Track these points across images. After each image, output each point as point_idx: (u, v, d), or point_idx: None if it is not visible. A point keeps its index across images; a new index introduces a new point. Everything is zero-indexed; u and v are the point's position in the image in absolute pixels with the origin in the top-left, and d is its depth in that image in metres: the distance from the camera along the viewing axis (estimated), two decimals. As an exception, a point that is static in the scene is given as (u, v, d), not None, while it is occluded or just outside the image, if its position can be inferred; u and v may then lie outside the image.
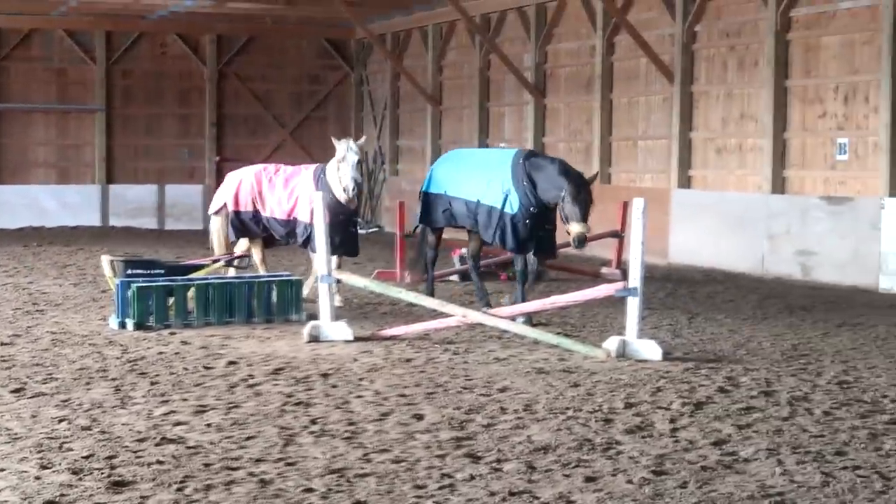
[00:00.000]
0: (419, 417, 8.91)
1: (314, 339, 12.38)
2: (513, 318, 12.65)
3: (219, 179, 16.03)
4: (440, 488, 7.05)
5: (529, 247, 14.07)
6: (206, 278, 14.18)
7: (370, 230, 30.98)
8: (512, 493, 6.94)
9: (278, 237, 15.80)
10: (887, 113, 18.62)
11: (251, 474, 7.31)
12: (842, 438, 8.44)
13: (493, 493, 6.94)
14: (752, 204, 20.83)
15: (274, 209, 15.52)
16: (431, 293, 15.02)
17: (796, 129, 20.56)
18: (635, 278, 11.52)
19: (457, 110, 29.98)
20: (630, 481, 7.23)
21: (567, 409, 9.25)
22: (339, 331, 12.46)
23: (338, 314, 13.00)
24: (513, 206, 13.96)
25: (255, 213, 15.65)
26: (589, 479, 7.26)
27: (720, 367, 11.16)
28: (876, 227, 18.17)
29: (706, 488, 7.10)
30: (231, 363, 11.15)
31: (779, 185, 20.71)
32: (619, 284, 11.96)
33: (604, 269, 19.53)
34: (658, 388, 10.10)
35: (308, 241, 14.98)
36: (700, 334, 13.22)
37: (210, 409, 9.10)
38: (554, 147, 26.23)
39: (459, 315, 12.58)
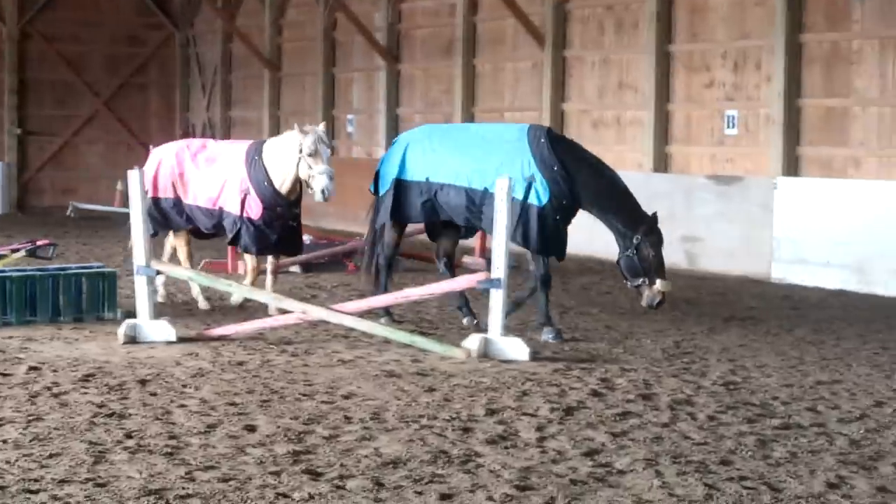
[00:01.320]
0: (251, 429, 8.86)
1: (131, 339, 12.23)
2: (361, 315, 12.65)
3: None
4: (274, 510, 7.02)
5: (559, 248, 13.14)
6: (4, 271, 13.91)
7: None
8: (356, 514, 6.94)
9: (204, 230, 14.79)
10: (781, 82, 19.04)
11: (55, 498, 7.19)
12: (727, 446, 8.61)
13: (334, 515, 6.93)
14: (631, 184, 20.92)
15: (197, 196, 14.41)
16: (387, 311, 13.79)
17: (680, 101, 20.93)
18: (499, 268, 11.61)
19: (298, 77, 29.87)
20: (490, 498, 7.28)
21: (420, 417, 9.28)
22: (159, 330, 12.33)
23: (159, 311, 12.86)
24: (540, 197, 12.89)
25: (177, 201, 14.54)
26: (444, 497, 7.29)
27: (594, 368, 11.31)
28: (768, 209, 18.57)
29: (576, 504, 7.19)
30: (32, 369, 10.96)
31: (661, 163, 21.07)
32: (481, 275, 12.04)
33: (466, 259, 19.63)
34: (524, 392, 10.19)
35: (238, 238, 14.07)
36: (573, 331, 13.37)
37: (7, 423, 8.93)
38: (409, 119, 26.28)
39: (299, 311, 12.54)
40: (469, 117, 24.86)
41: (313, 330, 13.03)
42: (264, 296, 13.35)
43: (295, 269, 18.34)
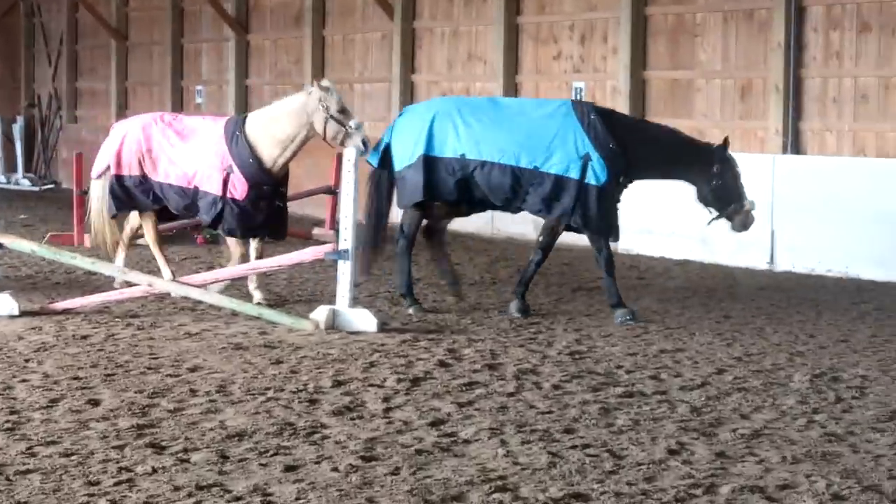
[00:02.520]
0: (95, 403, 8.75)
1: (-29, 314, 11.99)
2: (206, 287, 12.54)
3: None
4: (116, 484, 6.94)
5: (617, 229, 12.70)
6: None
7: (45, 187, 30.18)
8: (199, 487, 6.88)
9: (174, 210, 13.66)
10: (627, 54, 19.25)
11: None
12: (571, 414, 8.71)
13: (177, 488, 6.87)
14: (481, 155, 21.15)
15: (168, 172, 13.19)
16: (409, 290, 13.06)
17: (529, 72, 21.04)
18: (347, 240, 11.59)
19: (146, 47, 29.48)
20: (336, 469, 7.28)
21: (267, 389, 9.24)
22: (1, 304, 12.10)
23: (2, 285, 12.63)
24: (598, 176, 12.41)
25: (143, 178, 13.32)
26: (289, 468, 7.27)
27: (441, 339, 11.35)
28: (615, 180, 18.71)
29: (420, 474, 7.21)
30: None
31: (510, 135, 21.13)
32: (329, 246, 12.00)
33: (316, 230, 19.57)
34: (371, 364, 10.20)
35: (220, 220, 12.96)
36: (422, 302, 13.38)
37: None
38: (259, 90, 26.11)
39: (145, 284, 12.39)
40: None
41: (160, 303, 12.90)
42: (110, 268, 13.16)
43: (143, 241, 18.08)
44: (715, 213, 12.87)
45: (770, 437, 8.23)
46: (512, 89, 21.15)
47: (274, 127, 12.84)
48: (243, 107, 26.22)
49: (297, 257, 12.53)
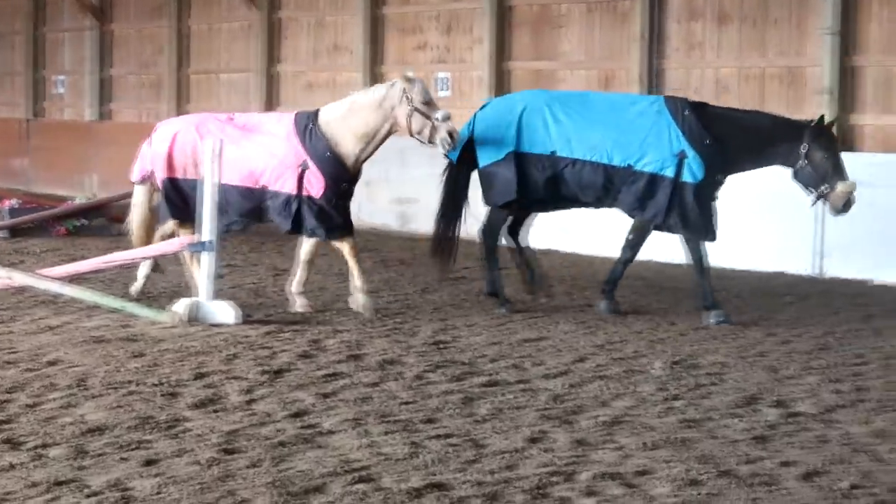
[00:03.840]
0: (-51, 399, 8.60)
1: None
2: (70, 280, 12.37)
3: None
4: (-30, 481, 6.83)
5: (713, 229, 12.29)
6: None
7: None
8: (57, 483, 6.79)
9: (237, 214, 12.41)
10: (491, 45, 19.35)
11: None
12: (433, 404, 8.74)
13: (34, 485, 6.77)
14: (346, 146, 21.14)
15: (231, 174, 12.06)
16: (498, 290, 12.78)
17: (393, 62, 21.05)
18: (208, 231, 11.50)
19: (6, 37, 28.95)
20: (196, 462, 7.22)
21: (128, 382, 9.14)
22: None
23: None
24: (694, 174, 12.08)
25: (200, 182, 11.98)
26: (149, 462, 7.20)
27: (305, 330, 11.32)
28: (478, 171, 18.79)
29: (282, 466, 7.19)
30: None
31: (375, 125, 21.13)
32: (191, 238, 11.90)
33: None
34: (233, 356, 10.14)
35: (300, 222, 12.10)
36: (285, 293, 13.31)
37: None
38: (123, 81, 25.82)
39: (4, 277, 12.18)
40: (183, 80, 24.53)
41: (19, 297, 12.68)
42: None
43: (1, 234, 17.81)
44: (812, 195, 12.34)
45: (629, 424, 8.34)
46: (377, 79, 21.12)
47: (353, 120, 12.10)
48: (105, 98, 25.94)
49: (158, 249, 12.40)
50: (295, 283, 12.42)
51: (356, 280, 12.22)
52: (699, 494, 6.88)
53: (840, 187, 12.02)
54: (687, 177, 12.06)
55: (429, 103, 11.94)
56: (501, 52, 19.40)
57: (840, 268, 15.37)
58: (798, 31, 16.62)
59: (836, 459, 7.64)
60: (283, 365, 9.85)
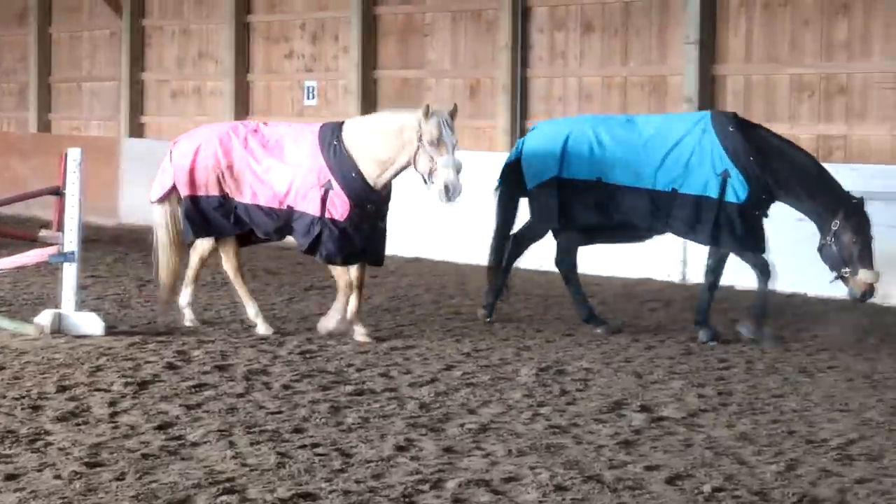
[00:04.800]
0: None
1: None
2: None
3: None
4: None
5: (762, 243, 11.87)
6: None
7: None
8: (-86, 501, 6.64)
9: (263, 234, 11.97)
10: (357, 53, 19.34)
11: None
12: (301, 414, 8.69)
13: None
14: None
15: (257, 191, 11.56)
16: (591, 314, 12.52)
17: (261, 71, 20.98)
18: (72, 241, 11.35)
19: None
20: (58, 476, 7.10)
21: (-12, 396, 8.97)
22: None
23: None
24: (738, 194, 11.66)
25: (224, 199, 11.74)
26: (10, 477, 7.06)
27: (171, 341, 11.20)
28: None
29: (147, 478, 7.09)
30: None
31: (242, 134, 21.02)
32: (53, 249, 11.71)
33: (42, 232, 18.99)
34: (98, 368, 9.99)
35: (317, 245, 11.39)
36: (152, 304, 13.18)
37: None
38: (-18, 89, 25.37)
39: None
40: (45, 89, 24.20)
41: None
42: None
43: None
44: (833, 274, 11.77)
45: (496, 431, 8.37)
46: (244, 88, 21.05)
47: (373, 143, 11.30)
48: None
49: (20, 260, 12.21)
50: (331, 321, 11.71)
51: (353, 309, 11.62)
52: (565, 500, 6.92)
53: (862, 276, 11.45)
54: (730, 196, 11.66)
55: (435, 143, 10.90)
56: (368, 60, 19.40)
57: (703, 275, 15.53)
58: (660, 41, 16.83)
59: (700, 463, 7.73)
60: (148, 376, 9.73)
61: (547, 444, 8.05)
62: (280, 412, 8.73)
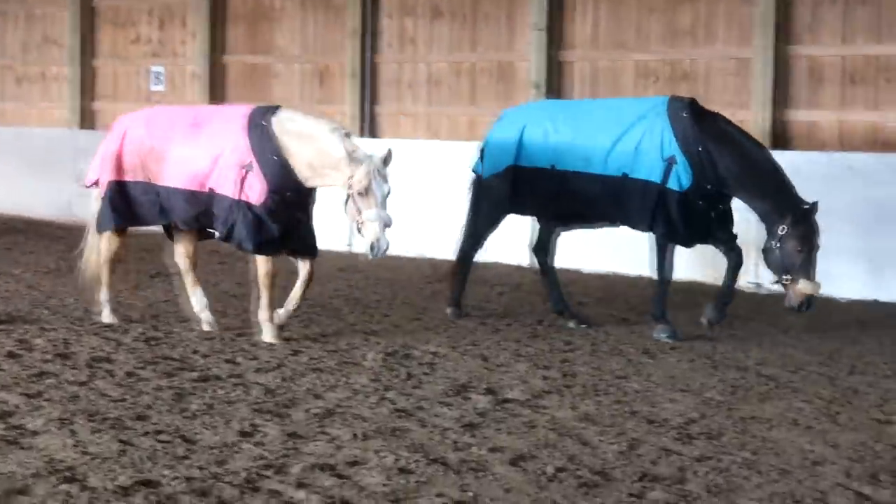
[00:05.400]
0: None
1: None
2: None
3: None
4: None
5: (697, 235, 11.36)
6: None
7: None
8: None
9: (182, 224, 11.15)
10: (205, 39, 19.16)
11: None
12: (145, 401, 8.58)
13: None
14: (57, 141, 20.67)
15: (176, 175, 10.84)
16: (559, 307, 12.19)
17: (106, 56, 20.68)
18: None
19: None
20: None
21: None
22: None
23: None
24: (681, 181, 11.13)
25: (148, 184, 11.06)
26: None
27: (12, 330, 10.96)
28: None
29: (-16, 469, 6.96)
30: None
31: (88, 119, 20.75)
32: None
33: None
34: (-65, 357, 9.78)
35: (232, 232, 10.62)
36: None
37: None
38: None
39: None
40: None
41: None
42: None
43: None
44: (774, 278, 11.33)
45: (342, 416, 8.35)
46: (90, 73, 20.73)
47: (305, 147, 10.46)
48: None
49: None
50: (263, 312, 10.94)
51: (290, 303, 11.03)
52: (409, 483, 6.93)
53: (802, 286, 10.89)
54: (673, 183, 11.16)
55: (367, 193, 10.01)
56: (216, 46, 19.24)
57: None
58: (508, 27, 16.94)
59: (544, 444, 7.80)
60: (-12, 365, 9.54)
61: (392, 428, 8.05)
62: (123, 400, 8.61)
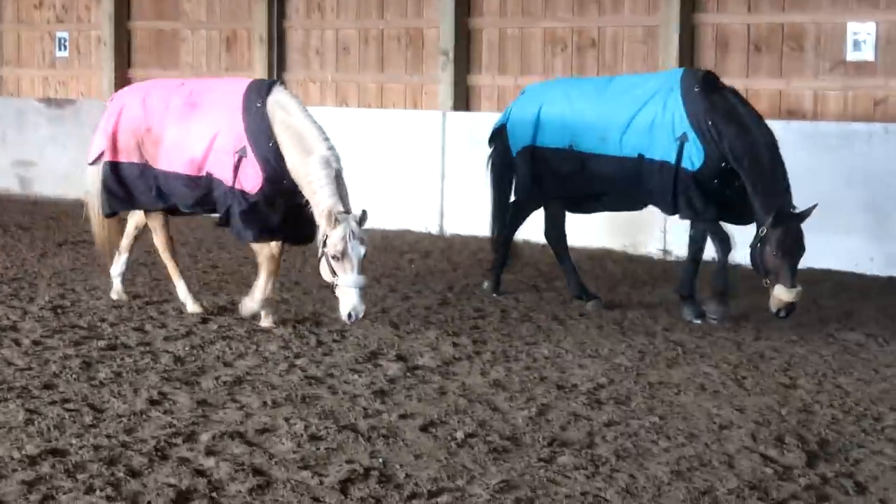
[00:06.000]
0: None
1: None
2: None
3: None
4: None
5: (714, 211, 10.68)
6: None
7: None
8: None
9: (184, 207, 10.47)
10: (110, 4, 18.95)
11: None
12: (52, 370, 8.50)
13: None
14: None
15: (174, 157, 10.18)
16: (579, 289, 11.67)
17: (10, 22, 20.42)
18: None
19: None
20: None
21: None
22: None
23: None
24: (693, 160, 10.53)
25: (145, 167, 10.41)
26: None
27: (-85, 298, 10.84)
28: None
29: None
30: None
31: None
32: None
33: None
34: None
35: (229, 218, 9.96)
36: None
37: None
38: None
39: None
40: None
41: None
42: None
43: None
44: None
45: (252, 383, 8.33)
46: (-8, 40, 20.45)
47: (296, 141, 9.68)
48: None
49: None
50: (253, 302, 10.20)
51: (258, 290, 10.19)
52: (319, 450, 6.93)
53: (777, 292, 10.18)
54: (686, 163, 10.57)
55: (339, 258, 9.26)
56: (121, 11, 19.01)
57: (460, 225, 15.71)
58: (417, -6, 16.89)
59: (454, 410, 7.82)
60: None
61: (302, 395, 8.04)
62: (30, 369, 8.52)
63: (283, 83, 10.41)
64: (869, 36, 13.84)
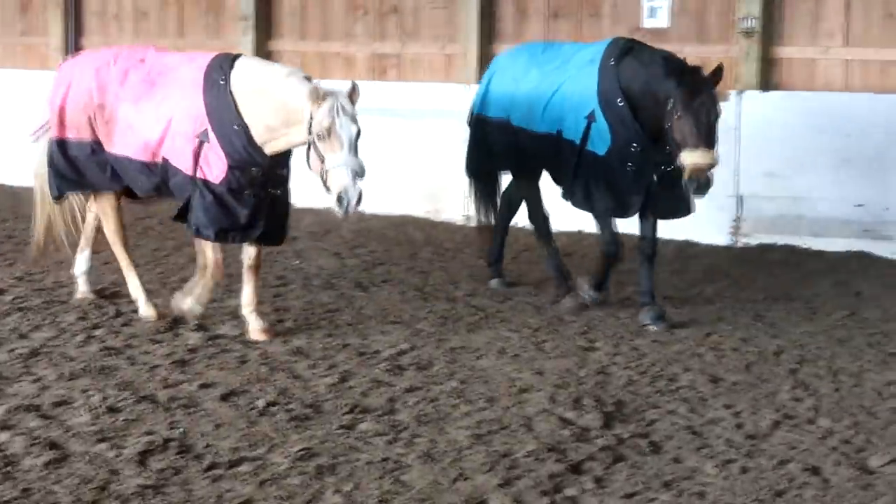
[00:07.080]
0: None
1: None
2: None
3: None
4: None
5: (634, 205, 9.59)
6: None
7: None
8: None
9: (141, 193, 9.33)
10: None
11: None
12: None
13: None
14: None
15: (127, 140, 9.03)
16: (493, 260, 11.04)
17: None
18: None
19: None
20: None
21: None
22: None
23: None
24: (595, 143, 9.52)
25: (97, 145, 9.25)
26: None
27: None
28: None
29: None
30: None
31: None
32: None
33: None
34: None
35: (186, 211, 8.81)
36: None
37: None
38: None
39: None
40: None
41: None
42: None
43: None
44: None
45: (48, 355, 8.21)
46: None
47: (259, 103, 8.58)
48: None
49: None
50: (189, 297, 9.12)
51: (247, 298, 9.11)
52: (117, 421, 6.85)
53: (683, 156, 8.98)
54: (591, 145, 9.59)
55: (329, 136, 8.12)
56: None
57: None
58: (216, -42, 16.70)
59: (255, 379, 7.81)
60: None
61: (100, 367, 7.94)
62: None
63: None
64: (664, 3, 14.09)
